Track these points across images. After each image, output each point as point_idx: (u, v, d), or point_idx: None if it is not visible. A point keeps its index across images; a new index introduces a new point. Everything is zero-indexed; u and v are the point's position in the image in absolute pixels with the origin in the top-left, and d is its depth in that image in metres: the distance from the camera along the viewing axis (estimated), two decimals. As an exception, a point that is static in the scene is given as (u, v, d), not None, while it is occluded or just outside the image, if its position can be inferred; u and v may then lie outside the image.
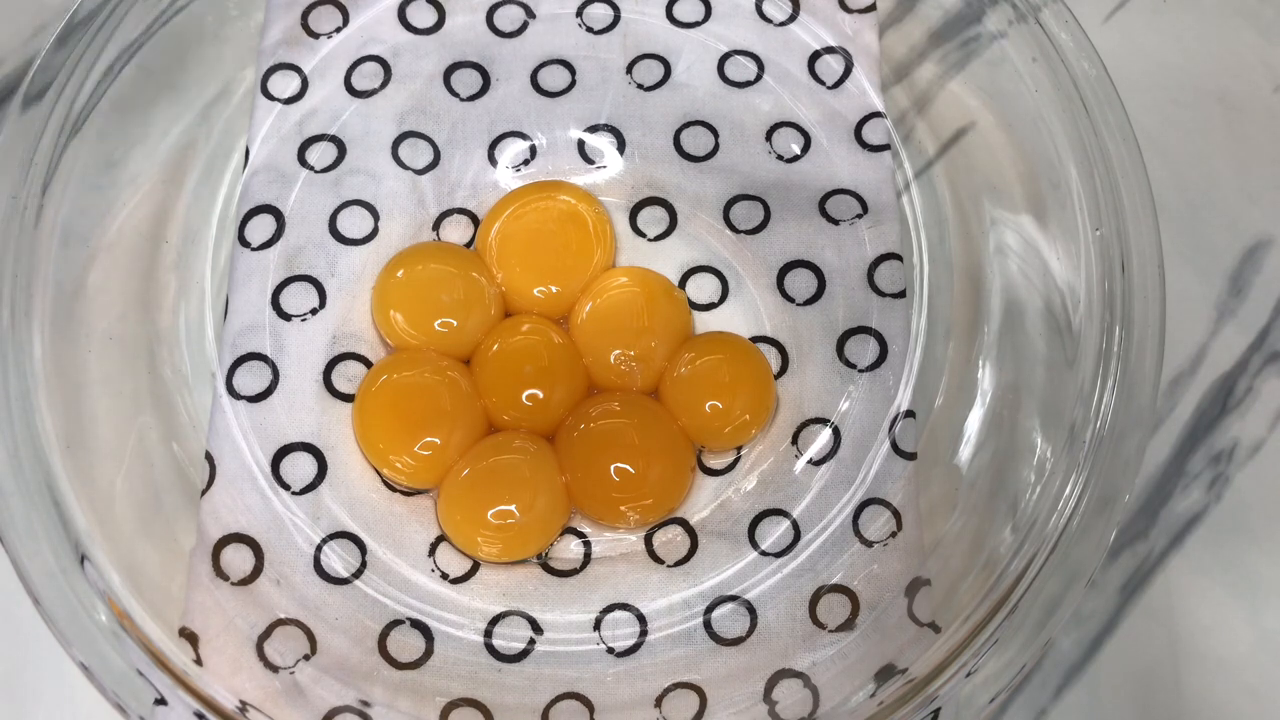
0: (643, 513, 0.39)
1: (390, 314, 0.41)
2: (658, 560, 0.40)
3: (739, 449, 0.41)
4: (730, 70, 0.46)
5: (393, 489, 0.40)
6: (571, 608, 0.39)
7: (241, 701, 0.35)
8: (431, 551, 0.39)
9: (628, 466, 0.39)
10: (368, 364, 0.42)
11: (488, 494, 0.39)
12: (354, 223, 0.43)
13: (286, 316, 0.42)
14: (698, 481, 0.41)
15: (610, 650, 0.38)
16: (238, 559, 0.38)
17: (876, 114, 0.45)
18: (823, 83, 0.46)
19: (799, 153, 0.45)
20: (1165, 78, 0.47)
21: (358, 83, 0.45)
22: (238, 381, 0.41)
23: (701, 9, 0.47)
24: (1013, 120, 0.43)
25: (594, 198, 0.44)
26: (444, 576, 0.39)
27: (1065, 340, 0.39)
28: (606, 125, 0.45)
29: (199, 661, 0.36)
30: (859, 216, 0.44)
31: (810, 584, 0.39)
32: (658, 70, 0.46)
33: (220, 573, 0.38)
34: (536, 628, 0.38)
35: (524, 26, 0.47)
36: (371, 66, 0.46)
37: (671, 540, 0.40)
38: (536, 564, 0.40)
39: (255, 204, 0.43)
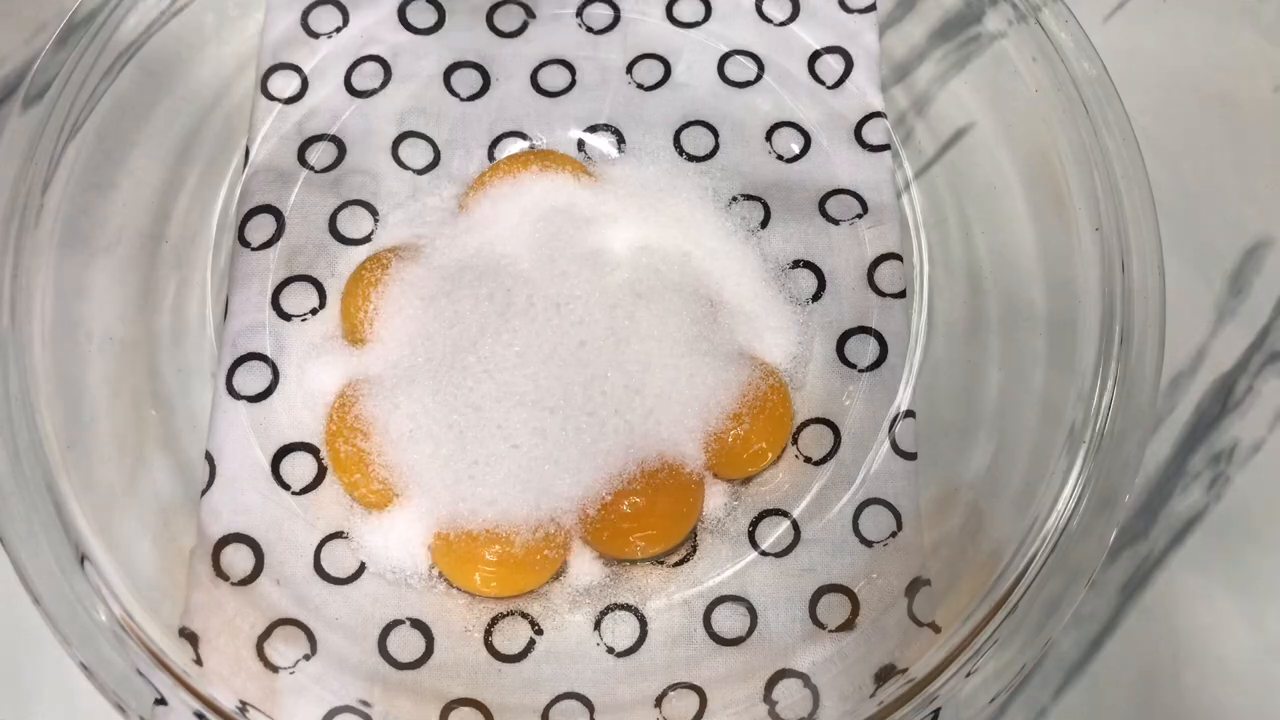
0: (648, 542, 0.39)
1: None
2: (658, 560, 0.39)
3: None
4: (730, 70, 0.46)
5: (393, 489, 0.40)
6: (571, 607, 0.39)
7: (241, 701, 0.35)
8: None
9: (637, 498, 0.39)
10: (368, 364, 0.42)
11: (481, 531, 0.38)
12: (354, 223, 0.43)
13: (286, 316, 0.42)
14: (698, 481, 0.41)
15: (610, 650, 0.38)
16: (238, 559, 0.38)
17: (876, 114, 0.45)
18: (823, 83, 0.46)
19: (799, 153, 0.45)
20: (1165, 78, 0.47)
21: (358, 83, 0.45)
22: (238, 381, 0.41)
23: (701, 9, 0.47)
24: (1013, 120, 0.43)
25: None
26: (443, 576, 0.39)
27: (1065, 340, 0.39)
28: (606, 125, 0.45)
29: (199, 661, 0.36)
30: (859, 216, 0.44)
31: (810, 584, 0.39)
32: (658, 70, 0.46)
33: (220, 573, 0.38)
34: (536, 628, 0.38)
35: (524, 26, 0.47)
36: (371, 66, 0.46)
37: (671, 540, 0.40)
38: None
39: (255, 204, 0.43)
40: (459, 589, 0.39)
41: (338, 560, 0.39)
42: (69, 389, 0.38)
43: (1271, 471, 0.42)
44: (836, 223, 0.44)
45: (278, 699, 0.36)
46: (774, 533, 0.40)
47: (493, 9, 0.47)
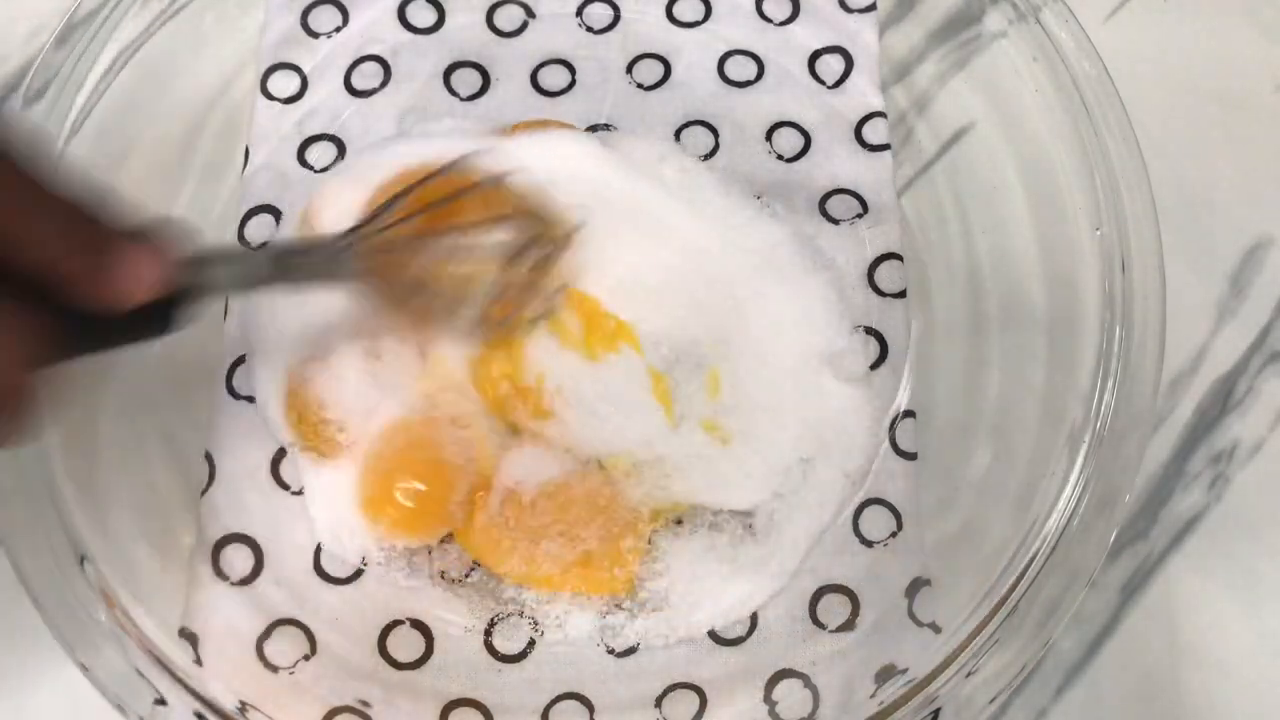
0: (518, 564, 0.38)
1: None
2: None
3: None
4: (730, 70, 0.46)
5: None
6: (571, 607, 0.39)
7: (241, 701, 0.35)
8: (431, 552, 0.39)
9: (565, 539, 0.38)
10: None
11: (401, 466, 0.38)
12: (354, 223, 0.43)
13: (286, 316, 0.42)
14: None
15: (610, 650, 0.38)
16: (238, 559, 0.38)
17: (876, 114, 0.45)
18: (823, 83, 0.46)
19: (799, 153, 0.45)
20: (1165, 78, 0.47)
21: (358, 83, 0.45)
22: (237, 381, 0.41)
23: (701, 9, 0.47)
24: (1013, 120, 0.43)
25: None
26: (443, 576, 0.39)
27: (1065, 340, 0.39)
28: (606, 125, 0.45)
29: (199, 661, 0.36)
30: (859, 216, 0.44)
31: (810, 584, 0.39)
32: (658, 70, 0.46)
33: (220, 573, 0.38)
34: (537, 628, 0.38)
35: (524, 26, 0.47)
36: (371, 66, 0.46)
37: (671, 540, 0.40)
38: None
39: (255, 204, 0.43)
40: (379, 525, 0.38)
41: (337, 560, 0.39)
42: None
43: (1271, 471, 0.42)
44: (836, 223, 0.44)
45: (278, 699, 0.36)
46: (774, 533, 0.40)
47: (493, 9, 0.47)
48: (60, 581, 0.34)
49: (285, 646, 0.37)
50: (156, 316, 0.30)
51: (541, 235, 0.37)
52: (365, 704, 0.37)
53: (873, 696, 0.36)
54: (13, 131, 0.26)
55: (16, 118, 0.27)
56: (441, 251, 0.36)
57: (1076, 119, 0.40)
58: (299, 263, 0.35)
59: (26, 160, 0.26)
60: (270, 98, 0.45)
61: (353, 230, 0.35)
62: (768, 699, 0.37)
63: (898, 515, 0.40)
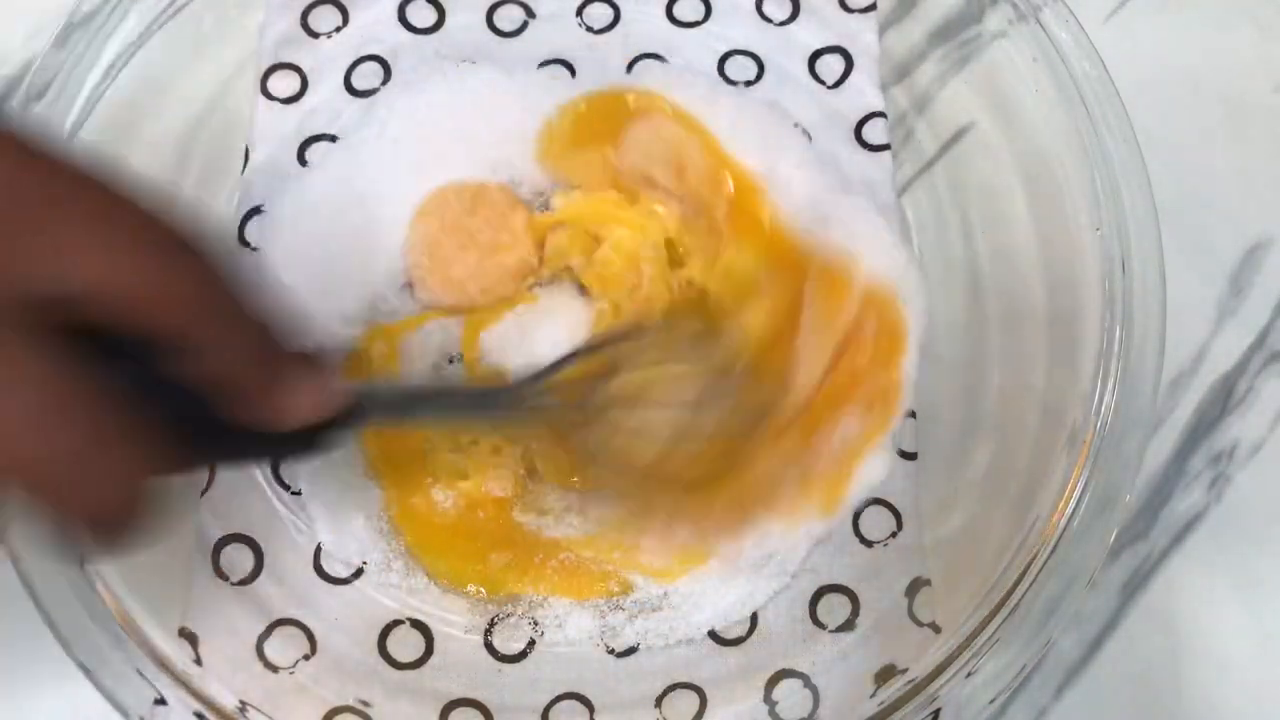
0: None
1: None
2: (658, 560, 0.40)
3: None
4: (730, 70, 0.46)
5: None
6: (572, 607, 0.39)
7: (241, 701, 0.35)
8: (431, 551, 0.39)
9: None
10: (368, 364, 0.42)
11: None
12: (354, 223, 0.43)
13: (286, 316, 0.42)
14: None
15: (610, 650, 0.38)
16: (238, 559, 0.38)
17: (877, 114, 0.45)
18: (823, 83, 0.46)
19: (799, 153, 0.45)
20: (1165, 78, 0.47)
21: (358, 83, 0.45)
22: (238, 381, 0.41)
23: (701, 8, 0.47)
24: (1013, 120, 0.43)
25: None
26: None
27: (1065, 340, 0.39)
28: (607, 125, 0.45)
29: (199, 661, 0.36)
30: (859, 216, 0.44)
31: (810, 584, 0.39)
32: (658, 70, 0.46)
33: (220, 573, 0.38)
34: (537, 628, 0.38)
35: (524, 26, 0.47)
36: (371, 66, 0.45)
37: (671, 540, 0.40)
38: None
39: (255, 204, 0.43)
40: None
41: (337, 560, 0.39)
42: (69, 389, 0.38)
43: (1271, 471, 0.42)
44: (836, 223, 0.44)
45: (278, 699, 0.36)
46: (774, 533, 0.40)
47: (492, 9, 0.47)
48: (60, 581, 0.34)
49: (285, 646, 0.37)
50: (302, 438, 0.30)
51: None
52: (365, 704, 0.37)
53: (873, 696, 0.36)
54: (221, 241, 0.26)
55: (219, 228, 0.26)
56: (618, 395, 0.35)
57: (1076, 119, 0.40)
58: (460, 406, 0.35)
59: (231, 269, 0.26)
60: (270, 98, 0.45)
61: (531, 380, 0.34)
62: (768, 699, 0.37)
63: (898, 515, 0.40)
